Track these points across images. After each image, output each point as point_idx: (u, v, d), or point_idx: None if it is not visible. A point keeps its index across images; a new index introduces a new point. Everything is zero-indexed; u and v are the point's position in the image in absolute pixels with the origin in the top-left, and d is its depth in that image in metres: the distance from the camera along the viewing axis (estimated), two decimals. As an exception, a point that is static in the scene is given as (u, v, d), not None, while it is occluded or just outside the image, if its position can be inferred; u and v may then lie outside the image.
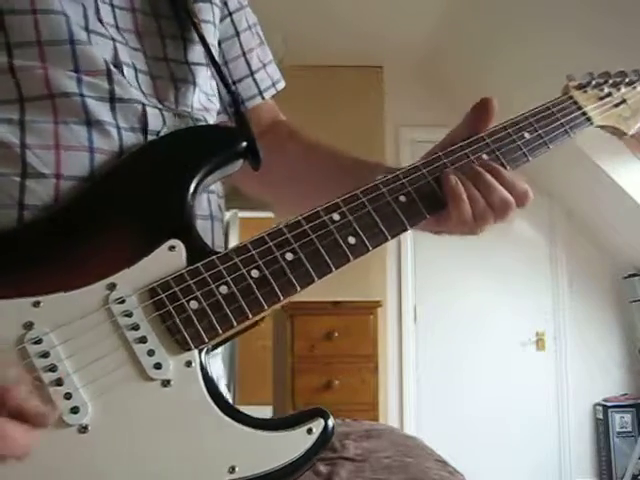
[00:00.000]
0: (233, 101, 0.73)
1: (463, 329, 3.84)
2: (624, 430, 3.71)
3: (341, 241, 0.61)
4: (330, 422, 0.60)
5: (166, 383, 0.54)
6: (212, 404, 0.55)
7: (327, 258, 0.61)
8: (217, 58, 0.74)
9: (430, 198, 0.66)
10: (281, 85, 0.89)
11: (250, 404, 3.91)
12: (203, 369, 0.56)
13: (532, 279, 3.90)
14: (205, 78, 0.72)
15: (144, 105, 0.63)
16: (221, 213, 0.73)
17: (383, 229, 0.64)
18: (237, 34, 0.82)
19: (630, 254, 3.81)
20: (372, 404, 3.29)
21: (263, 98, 0.86)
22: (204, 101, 0.73)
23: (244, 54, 0.84)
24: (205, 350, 0.57)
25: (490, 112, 0.69)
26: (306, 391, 3.30)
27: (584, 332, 3.89)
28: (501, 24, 3.01)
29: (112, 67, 0.62)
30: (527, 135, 0.72)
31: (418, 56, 3.66)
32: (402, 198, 0.65)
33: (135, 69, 0.65)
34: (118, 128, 0.61)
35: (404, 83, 3.85)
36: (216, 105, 0.76)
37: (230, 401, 0.68)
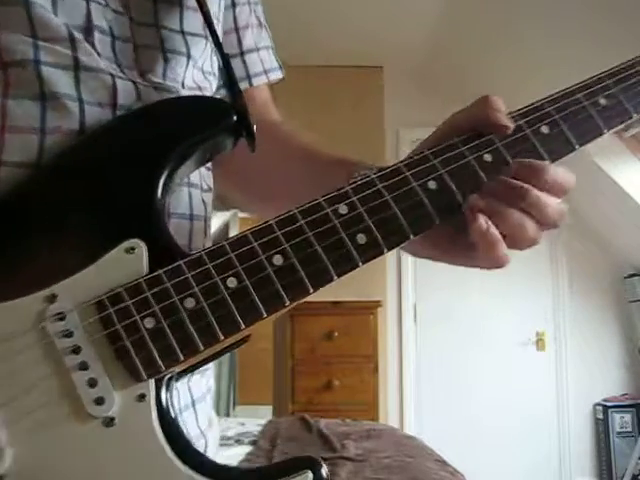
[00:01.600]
0: (227, 72, 0.59)
1: (463, 329, 3.84)
2: (624, 430, 3.71)
3: (348, 240, 0.48)
4: (323, 473, 0.44)
5: (109, 422, 0.43)
6: (168, 451, 0.43)
7: (327, 263, 0.47)
8: (218, 30, 0.64)
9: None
10: (275, 76, 0.77)
11: (250, 404, 3.92)
12: (161, 405, 0.44)
13: (532, 279, 3.90)
14: (202, 52, 0.62)
15: (113, 76, 0.53)
16: (205, 210, 0.62)
17: (404, 224, 0.49)
18: (233, 5, 0.72)
19: (630, 254, 3.81)
20: (372, 404, 3.29)
21: (251, 84, 0.74)
22: (199, 79, 0.63)
23: (237, 30, 0.73)
24: (168, 379, 0.46)
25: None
26: (306, 391, 3.30)
27: (584, 332, 3.89)
28: (501, 24, 3.01)
29: (76, 33, 0.52)
30: (603, 101, 0.55)
31: (418, 56, 3.66)
32: (432, 184, 0.50)
33: (113, 35, 0.55)
34: (81, 102, 0.51)
35: (404, 83, 3.85)
36: (213, 85, 0.67)
37: (202, 443, 0.60)
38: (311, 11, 3.16)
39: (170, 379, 0.46)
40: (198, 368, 0.49)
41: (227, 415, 3.65)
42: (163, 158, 0.49)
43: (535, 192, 0.49)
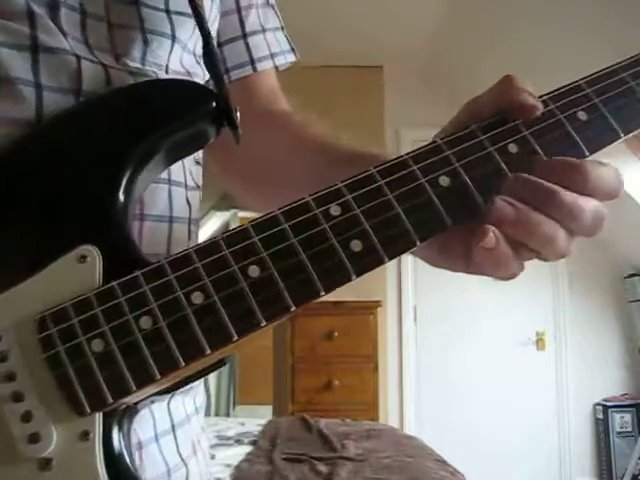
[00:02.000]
0: (206, 53, 0.51)
1: (463, 329, 3.84)
2: (624, 430, 3.71)
3: (339, 248, 0.40)
4: None
5: (45, 464, 0.35)
6: None
7: (314, 275, 0.39)
8: (209, 8, 0.58)
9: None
10: (284, 59, 0.70)
11: (250, 404, 3.92)
12: (109, 444, 0.37)
13: (532, 279, 3.90)
14: (191, 33, 0.55)
15: (79, 58, 0.46)
16: (190, 212, 0.55)
17: (409, 227, 0.41)
18: None
19: (630, 254, 3.81)
20: (372, 404, 3.29)
21: (255, 70, 0.67)
22: (188, 63, 0.56)
23: (239, 10, 0.66)
24: (121, 413, 0.38)
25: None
26: (306, 391, 3.30)
27: (584, 332, 3.89)
28: (501, 24, 3.01)
29: (38, 9, 0.46)
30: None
31: (418, 56, 3.66)
32: (444, 180, 0.42)
33: (83, 13, 0.48)
34: (38, 88, 0.44)
35: (404, 83, 3.85)
36: (206, 72, 0.58)
37: (182, 473, 0.53)
38: (311, 11, 3.16)
39: (125, 412, 0.38)
40: (166, 394, 0.42)
41: (227, 415, 3.65)
42: (126, 153, 0.42)
43: (569, 196, 0.40)
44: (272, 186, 0.66)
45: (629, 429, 3.71)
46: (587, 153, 0.43)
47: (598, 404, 3.82)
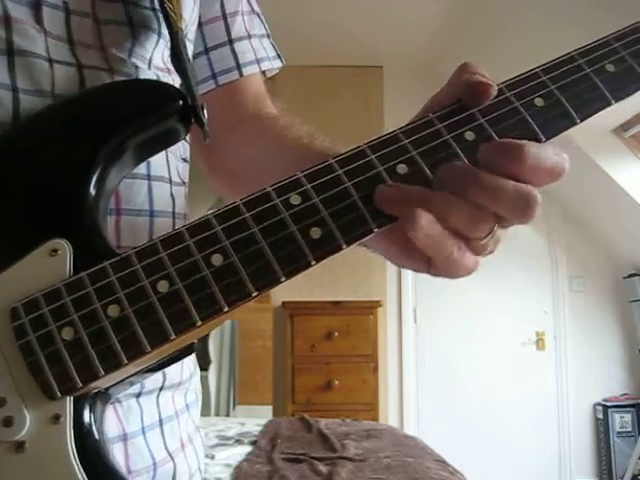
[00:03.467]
0: (171, 40, 0.53)
1: (463, 329, 3.84)
2: (624, 430, 3.71)
3: (299, 235, 0.41)
4: None
5: (18, 447, 0.37)
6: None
7: (274, 261, 0.40)
8: (190, 9, 0.59)
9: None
10: (270, 65, 0.71)
11: (250, 404, 3.92)
12: (80, 426, 0.38)
13: (532, 279, 3.90)
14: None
15: (52, 61, 0.48)
16: (174, 206, 0.56)
17: (366, 215, 0.42)
18: None
19: (630, 254, 3.81)
20: (372, 404, 3.29)
21: (241, 74, 0.68)
22: (169, 60, 0.57)
23: (225, 17, 0.67)
24: (92, 397, 0.40)
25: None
26: (306, 391, 3.31)
27: (584, 332, 3.89)
28: (501, 24, 3.01)
29: (15, 11, 0.47)
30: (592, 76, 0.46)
31: (418, 56, 3.66)
32: (401, 168, 0.43)
33: (67, 10, 0.50)
34: (15, 91, 0.46)
35: (404, 83, 3.85)
36: None
37: (168, 467, 0.54)
38: (311, 11, 3.16)
39: (96, 397, 0.40)
40: (142, 379, 0.43)
41: (227, 415, 3.64)
42: (95, 151, 0.44)
43: (488, 177, 0.40)
44: (251, 186, 0.67)
45: (629, 429, 3.71)
46: (543, 139, 0.44)
47: (598, 404, 3.82)
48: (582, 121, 0.45)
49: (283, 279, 0.40)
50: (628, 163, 3.33)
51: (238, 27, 0.69)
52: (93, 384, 0.39)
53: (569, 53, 0.48)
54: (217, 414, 3.54)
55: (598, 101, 0.46)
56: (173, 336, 0.39)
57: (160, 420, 0.54)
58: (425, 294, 3.87)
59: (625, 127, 3.23)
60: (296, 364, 3.34)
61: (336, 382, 3.27)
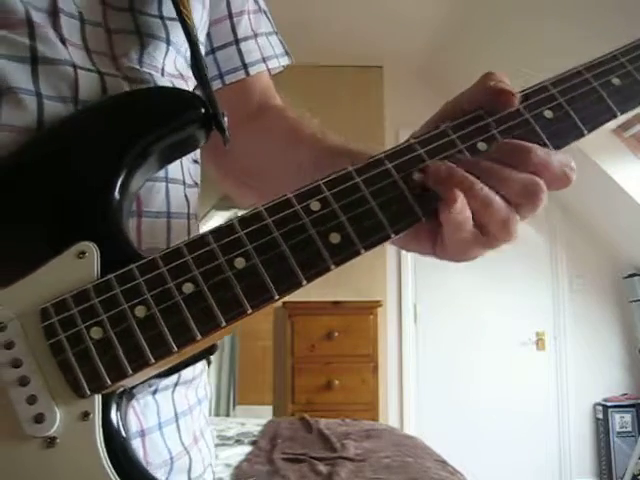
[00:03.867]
0: (194, 58, 0.55)
1: (463, 329, 3.84)
2: (624, 430, 3.71)
3: (319, 240, 0.43)
4: None
5: (49, 442, 0.39)
6: (111, 477, 0.39)
7: (295, 265, 0.42)
8: (199, 15, 0.60)
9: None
10: (277, 63, 0.72)
11: (250, 404, 3.92)
12: (108, 423, 0.40)
13: (532, 279, 3.90)
14: (184, 38, 0.57)
15: (75, 67, 0.49)
16: (188, 207, 0.58)
17: (383, 221, 0.44)
18: None
19: (630, 254, 3.81)
20: (372, 404, 3.29)
21: (248, 74, 0.69)
22: (182, 66, 0.59)
23: (230, 16, 0.68)
24: (119, 394, 0.41)
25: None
26: (306, 391, 3.30)
27: (584, 332, 3.89)
28: (501, 24, 3.01)
29: (38, 17, 0.48)
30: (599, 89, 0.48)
31: (418, 56, 3.66)
32: (417, 176, 0.45)
33: (82, 20, 0.51)
34: (39, 97, 0.47)
35: (404, 83, 3.85)
36: None
37: (184, 461, 0.56)
38: (311, 11, 3.16)
39: (122, 395, 0.42)
40: (162, 378, 0.45)
41: (227, 415, 3.65)
42: (120, 156, 0.45)
43: (497, 167, 0.44)
44: (264, 182, 0.68)
45: (629, 429, 3.71)
46: (553, 149, 0.46)
47: (598, 404, 3.82)
48: (589, 132, 0.48)
49: (304, 282, 0.42)
50: (628, 163, 3.33)
51: (244, 26, 0.69)
52: (121, 382, 0.40)
53: (576, 67, 0.50)
54: (217, 414, 3.54)
55: (604, 113, 0.48)
56: (199, 337, 0.40)
57: (175, 415, 0.56)
58: (425, 294, 3.87)
59: (625, 127, 3.23)
60: (296, 364, 3.34)
61: (336, 382, 3.27)
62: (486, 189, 0.43)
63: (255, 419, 2.66)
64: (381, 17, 3.23)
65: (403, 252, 3.87)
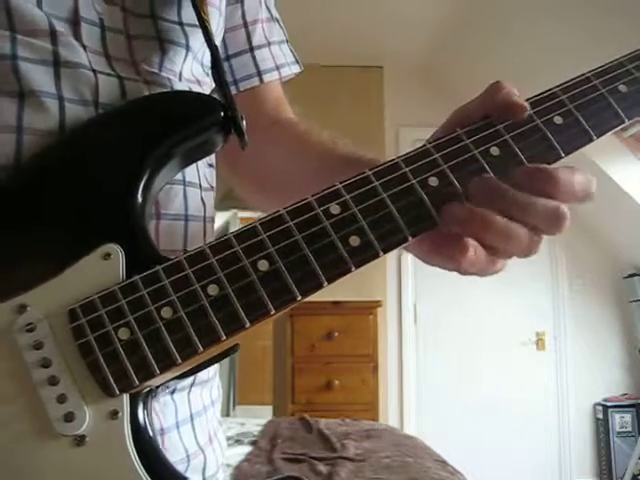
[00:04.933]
0: (214, 64, 0.56)
1: (463, 329, 3.84)
2: (624, 430, 3.71)
3: (339, 243, 0.44)
4: None
5: (79, 441, 0.40)
6: (141, 474, 0.40)
7: (317, 267, 0.43)
8: (216, 21, 0.62)
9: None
10: (289, 70, 0.75)
11: (250, 404, 3.92)
12: (136, 421, 0.41)
13: (532, 279, 3.90)
14: (201, 44, 0.59)
15: (95, 72, 0.50)
16: (204, 210, 0.59)
17: (401, 224, 0.45)
18: (242, 0, 0.70)
19: (630, 254, 3.81)
20: (372, 404, 3.29)
21: (262, 81, 0.71)
22: (198, 72, 0.61)
23: (245, 25, 0.70)
24: (146, 394, 0.43)
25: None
26: (306, 391, 3.30)
27: (584, 332, 3.89)
28: (501, 24, 3.01)
29: (60, 26, 0.50)
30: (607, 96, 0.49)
31: (418, 56, 3.66)
32: (433, 180, 0.46)
33: (102, 27, 0.52)
34: (61, 100, 0.48)
35: (404, 83, 3.85)
36: (212, 80, 0.63)
37: (199, 460, 0.57)
38: (311, 11, 3.16)
39: (148, 394, 0.43)
40: (183, 379, 0.47)
41: (227, 415, 3.65)
42: (142, 159, 0.46)
43: (520, 195, 0.44)
44: (276, 189, 0.71)
45: (629, 429, 3.71)
46: (563, 154, 0.48)
47: (598, 404, 3.82)
48: (598, 138, 0.49)
49: (325, 284, 0.44)
50: (628, 164, 3.33)
51: (258, 35, 0.72)
52: (148, 382, 0.41)
53: (584, 74, 0.51)
54: (217, 414, 3.54)
55: (613, 120, 0.49)
56: (224, 337, 0.42)
57: (191, 415, 0.57)
58: (425, 294, 3.87)
59: (625, 127, 3.23)
60: (296, 364, 3.34)
61: (336, 382, 3.27)
62: (505, 223, 0.44)
63: (255, 419, 2.66)
64: (381, 17, 3.23)
65: (403, 252, 3.86)
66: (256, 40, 0.71)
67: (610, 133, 0.50)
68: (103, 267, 0.43)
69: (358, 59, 3.71)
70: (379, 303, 3.45)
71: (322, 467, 1.81)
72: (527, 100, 0.49)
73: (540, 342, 3.91)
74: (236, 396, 4.06)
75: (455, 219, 0.44)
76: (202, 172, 0.60)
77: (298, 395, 3.31)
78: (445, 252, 0.47)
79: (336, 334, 3.31)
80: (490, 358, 3.84)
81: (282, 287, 0.43)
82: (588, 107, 0.49)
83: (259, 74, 0.71)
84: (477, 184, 0.45)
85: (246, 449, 2.10)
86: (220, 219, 3.95)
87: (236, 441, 2.23)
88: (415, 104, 3.80)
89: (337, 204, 0.45)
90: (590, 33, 2.61)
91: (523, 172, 0.45)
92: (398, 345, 3.81)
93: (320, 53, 3.54)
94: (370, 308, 3.39)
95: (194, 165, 0.57)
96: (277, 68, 0.73)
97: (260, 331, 3.70)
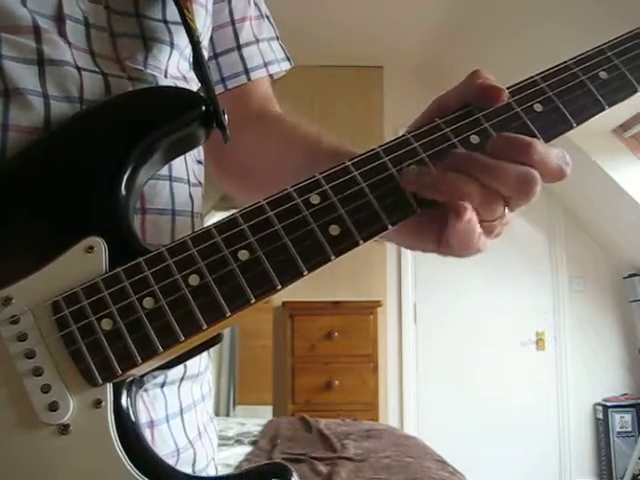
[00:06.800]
0: (195, 59, 0.57)
1: (463, 329, 3.84)
2: (624, 430, 3.71)
3: (319, 232, 0.44)
4: None
5: (63, 430, 0.40)
6: (125, 462, 0.40)
7: (296, 256, 0.44)
8: (202, 19, 0.61)
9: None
10: (279, 67, 0.74)
11: (250, 404, 3.92)
12: (119, 410, 0.42)
13: (532, 279, 3.90)
14: (187, 41, 0.59)
15: (80, 69, 0.51)
16: (192, 205, 0.59)
17: (380, 213, 0.45)
18: None
19: (630, 254, 3.81)
20: (372, 404, 3.29)
21: (249, 79, 0.71)
22: (184, 69, 0.60)
23: (233, 23, 0.70)
24: (129, 383, 0.43)
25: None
26: (306, 391, 3.31)
27: (584, 332, 3.89)
28: (501, 24, 3.01)
29: (44, 23, 0.50)
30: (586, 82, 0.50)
31: (418, 56, 3.66)
32: (412, 168, 0.47)
33: (87, 24, 0.53)
34: (45, 98, 0.48)
35: (404, 83, 3.85)
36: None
37: (189, 454, 0.57)
38: (311, 11, 3.16)
39: (132, 383, 0.43)
40: (168, 369, 0.47)
41: (227, 415, 3.65)
42: (126, 153, 0.47)
43: (489, 160, 0.45)
44: (261, 184, 0.70)
45: (629, 429, 3.71)
46: (543, 142, 0.47)
47: (598, 404, 3.82)
48: (578, 125, 0.49)
49: (305, 272, 0.44)
50: (628, 163, 3.33)
51: (246, 33, 0.71)
52: (131, 371, 0.42)
53: (565, 62, 0.51)
54: (217, 414, 3.54)
55: (593, 107, 0.49)
56: (205, 326, 0.42)
57: (181, 409, 0.57)
58: (425, 294, 3.87)
59: (625, 127, 3.23)
60: (296, 364, 3.34)
61: (336, 382, 3.27)
62: (483, 189, 0.44)
63: (255, 419, 2.66)
64: (381, 17, 3.23)
65: (403, 252, 3.87)
66: (244, 38, 0.71)
67: (590, 120, 0.50)
68: (86, 260, 0.44)
69: (358, 59, 3.71)
70: (379, 303, 3.45)
71: (322, 467, 1.81)
72: (507, 88, 0.49)
73: (540, 342, 3.91)
74: (236, 396, 4.06)
75: (437, 187, 0.45)
76: (190, 168, 0.60)
77: (298, 395, 3.31)
78: (426, 236, 0.48)
79: (336, 334, 3.31)
80: (490, 358, 3.84)
81: (262, 276, 0.43)
82: (568, 94, 0.49)
83: (246, 72, 0.71)
84: (449, 157, 0.46)
85: (246, 449, 2.10)
86: (219, 219, 3.93)
87: (236, 441, 2.23)
88: (415, 104, 3.77)
89: (317, 194, 0.45)
90: (591, 33, 2.61)
91: (500, 139, 0.46)
92: (398, 345, 3.81)
93: (320, 53, 3.54)
94: (370, 308, 3.39)
95: (182, 161, 0.58)
96: (265, 65, 0.72)
97: (260, 331, 3.70)
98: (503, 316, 3.87)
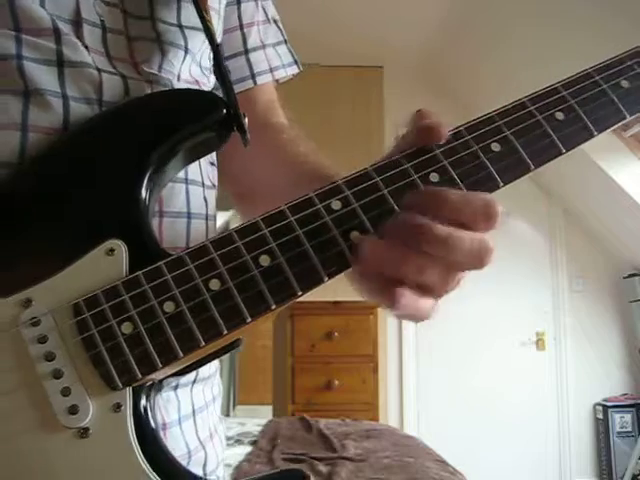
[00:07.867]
0: (214, 56, 0.57)
1: (463, 329, 3.84)
2: (624, 430, 3.71)
3: (340, 239, 0.44)
4: None
5: (83, 433, 0.40)
6: (144, 466, 0.40)
7: (317, 263, 0.43)
8: (215, 24, 0.62)
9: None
10: (284, 72, 0.74)
11: (250, 404, 3.92)
12: (138, 414, 0.42)
13: (532, 279, 3.90)
14: (200, 46, 0.60)
15: (99, 71, 0.51)
16: (207, 208, 0.60)
17: None
18: (238, 2, 0.70)
19: (630, 254, 3.81)
20: (372, 404, 3.29)
21: (255, 83, 0.71)
22: (196, 73, 0.61)
23: (241, 27, 0.71)
24: (148, 387, 0.43)
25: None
26: (306, 391, 3.30)
27: (584, 332, 3.89)
28: (501, 24, 3.01)
29: (63, 25, 0.51)
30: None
31: (418, 56, 3.66)
32: (433, 176, 0.46)
33: (104, 28, 0.53)
34: (65, 99, 0.49)
35: (404, 83, 3.85)
36: (210, 82, 0.64)
37: (200, 455, 0.57)
38: (312, 11, 3.16)
39: (151, 387, 0.43)
40: (185, 374, 0.47)
41: (227, 415, 3.65)
42: (146, 156, 0.47)
43: (438, 229, 0.41)
44: (259, 195, 0.71)
45: (629, 429, 3.71)
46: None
47: (598, 404, 3.82)
48: (599, 134, 0.48)
49: (326, 279, 0.44)
50: (628, 163, 3.33)
51: (254, 37, 0.72)
52: (151, 376, 0.42)
53: (586, 70, 0.50)
54: (217, 414, 3.54)
55: (614, 115, 0.49)
56: (225, 331, 0.42)
57: (193, 411, 0.58)
58: (425, 294, 3.86)
59: (625, 127, 3.23)
60: (296, 364, 3.34)
61: (336, 382, 3.27)
62: (419, 258, 0.42)
63: (255, 419, 2.66)
64: (381, 17, 3.23)
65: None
66: (251, 42, 0.71)
67: (610, 130, 0.49)
68: (107, 262, 0.44)
69: (358, 59, 3.71)
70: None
71: (322, 467, 1.81)
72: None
73: (540, 342, 3.91)
74: (236, 396, 4.06)
75: (365, 258, 0.43)
76: (205, 170, 0.60)
77: (298, 395, 3.31)
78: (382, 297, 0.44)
79: (336, 334, 3.30)
80: (490, 358, 3.84)
81: (283, 282, 0.43)
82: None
83: (253, 76, 0.71)
84: (395, 222, 0.43)
85: (246, 449, 2.10)
86: (221, 219, 3.95)
87: (236, 441, 2.23)
88: (415, 104, 3.78)
89: (338, 200, 0.45)
90: (591, 33, 2.61)
91: (411, 196, 0.44)
92: (398, 345, 3.81)
93: (320, 53, 3.54)
94: (370, 308, 3.39)
95: (197, 163, 0.58)
96: (271, 70, 0.73)
97: (260, 331, 3.70)
98: (503, 316, 3.87)
